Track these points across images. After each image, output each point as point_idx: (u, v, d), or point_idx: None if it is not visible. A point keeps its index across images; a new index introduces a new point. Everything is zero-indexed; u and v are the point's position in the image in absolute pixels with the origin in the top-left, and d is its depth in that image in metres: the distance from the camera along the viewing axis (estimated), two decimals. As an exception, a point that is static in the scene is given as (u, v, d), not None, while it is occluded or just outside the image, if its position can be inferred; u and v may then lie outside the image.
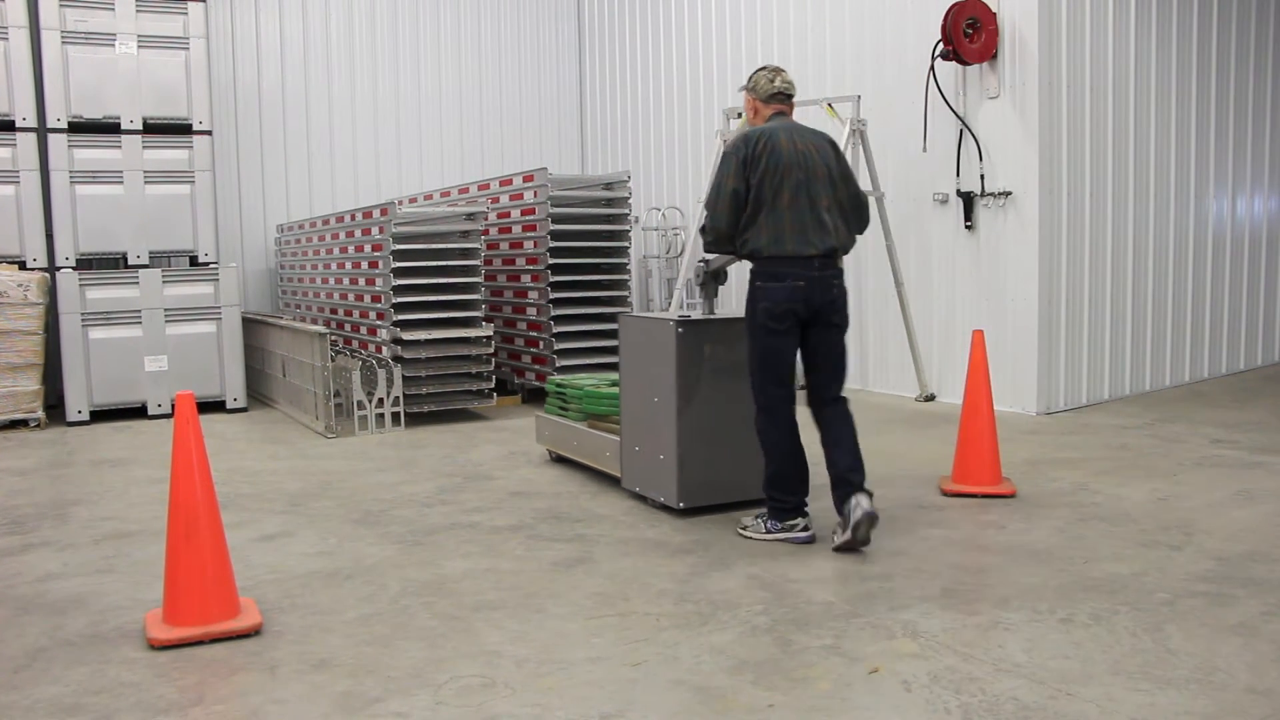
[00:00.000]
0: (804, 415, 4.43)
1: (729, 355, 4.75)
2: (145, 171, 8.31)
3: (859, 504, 4.11)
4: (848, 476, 4.22)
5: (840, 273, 4.36)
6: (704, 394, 4.77)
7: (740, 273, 4.66)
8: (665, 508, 4.91)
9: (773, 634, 3.35)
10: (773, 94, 4.49)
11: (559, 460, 6.14)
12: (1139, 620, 3.40)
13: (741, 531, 4.48)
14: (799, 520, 4.36)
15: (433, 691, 2.98)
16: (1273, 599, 3.58)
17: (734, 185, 4.27)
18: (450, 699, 2.93)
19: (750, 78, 4.56)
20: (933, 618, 3.46)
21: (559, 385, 6.09)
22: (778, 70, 4.52)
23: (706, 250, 4.62)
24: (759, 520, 4.45)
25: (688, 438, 4.74)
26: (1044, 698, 2.84)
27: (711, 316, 4.89)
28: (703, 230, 4.55)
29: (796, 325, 4.27)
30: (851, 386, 8.75)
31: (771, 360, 4.31)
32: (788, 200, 4.21)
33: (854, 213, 4.42)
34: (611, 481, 5.49)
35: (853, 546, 4.17)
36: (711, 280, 4.93)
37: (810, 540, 4.32)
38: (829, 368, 4.38)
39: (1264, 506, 4.81)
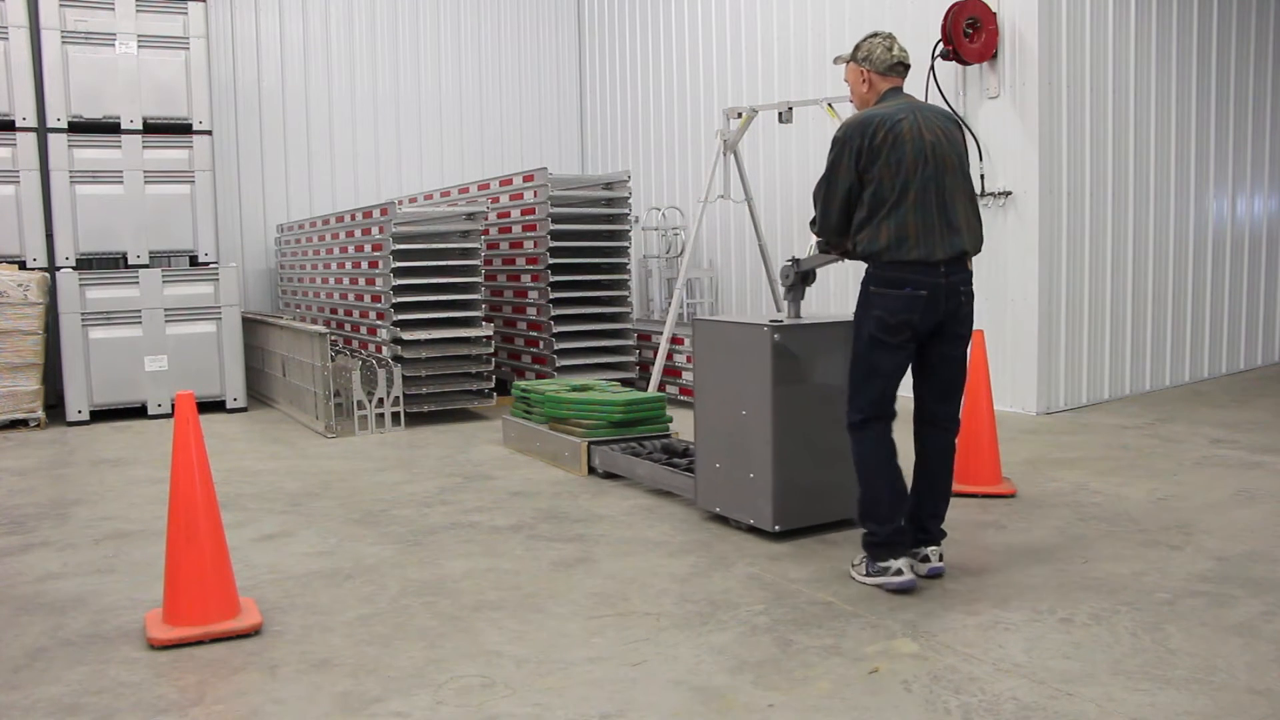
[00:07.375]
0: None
1: (826, 363, 4.36)
2: (145, 171, 8.32)
3: (928, 558, 3.84)
4: (926, 524, 3.86)
5: (969, 277, 3.76)
6: (800, 407, 4.31)
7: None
8: (755, 530, 4.47)
9: (773, 634, 3.35)
10: (892, 65, 3.84)
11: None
12: (1139, 620, 3.40)
13: (850, 570, 3.93)
14: (892, 563, 3.70)
15: (433, 691, 2.98)
16: (1273, 599, 3.58)
17: (847, 181, 3.71)
18: (450, 699, 2.93)
19: (860, 46, 3.89)
20: (933, 618, 3.46)
21: (524, 390, 6.54)
22: (891, 37, 3.87)
23: (821, 247, 4.08)
24: (862, 562, 3.85)
25: (784, 455, 4.30)
26: (1044, 698, 2.85)
27: (803, 321, 4.43)
28: (812, 223, 4.01)
29: (912, 340, 3.70)
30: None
31: (874, 377, 3.75)
32: (914, 199, 3.62)
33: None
34: (610, 482, 5.51)
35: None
36: (800, 282, 4.44)
37: (910, 586, 3.69)
38: (942, 384, 3.84)
39: (1264, 506, 4.81)
